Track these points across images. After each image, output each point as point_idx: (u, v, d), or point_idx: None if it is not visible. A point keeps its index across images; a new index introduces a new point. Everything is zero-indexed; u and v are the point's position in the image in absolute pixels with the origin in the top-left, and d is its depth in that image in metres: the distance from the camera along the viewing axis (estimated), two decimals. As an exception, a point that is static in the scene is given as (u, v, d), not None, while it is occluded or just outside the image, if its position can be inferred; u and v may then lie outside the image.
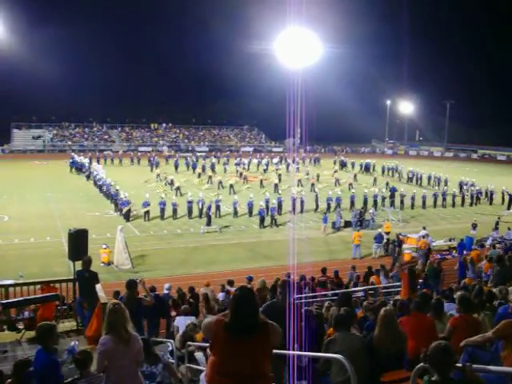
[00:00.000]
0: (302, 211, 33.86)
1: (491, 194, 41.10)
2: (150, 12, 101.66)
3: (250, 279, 16.34)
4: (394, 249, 24.39)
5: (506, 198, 39.65)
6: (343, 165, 60.92)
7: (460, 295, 7.46)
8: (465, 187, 42.84)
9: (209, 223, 30.27)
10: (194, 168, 51.81)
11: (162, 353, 8.72)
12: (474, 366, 4.10)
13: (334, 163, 61.02)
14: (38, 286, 12.03)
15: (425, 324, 6.96)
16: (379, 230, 27.81)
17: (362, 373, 5.92)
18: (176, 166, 52.74)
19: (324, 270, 17.76)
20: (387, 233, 27.49)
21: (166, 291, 15.31)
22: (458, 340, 5.97)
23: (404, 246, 25.54)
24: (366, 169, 58.08)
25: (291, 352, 5.23)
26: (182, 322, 10.25)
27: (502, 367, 4.33)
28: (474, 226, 29.71)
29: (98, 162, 55.76)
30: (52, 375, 5.95)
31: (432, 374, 4.09)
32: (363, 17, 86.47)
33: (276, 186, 41.54)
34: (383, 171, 55.96)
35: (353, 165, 59.87)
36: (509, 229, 29.07)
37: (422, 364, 4.25)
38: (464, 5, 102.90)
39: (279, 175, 46.90)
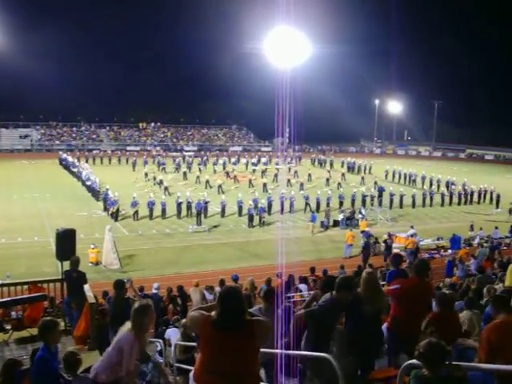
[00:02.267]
0: (291, 211, 33.89)
1: (480, 194, 41.30)
2: (140, 12, 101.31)
3: (236, 279, 16.28)
4: (369, 246, 24.55)
5: (494, 196, 39.91)
6: (320, 163, 61.88)
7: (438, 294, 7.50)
8: (453, 187, 43.10)
9: (199, 222, 30.28)
10: (162, 166, 51.95)
11: (151, 352, 8.71)
12: (463, 364, 4.11)
13: (314, 161, 62.56)
14: (26, 287, 11.96)
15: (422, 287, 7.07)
16: (366, 229, 27.91)
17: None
18: (159, 166, 52.33)
19: (313, 270, 17.79)
20: (362, 231, 27.62)
21: (154, 291, 15.27)
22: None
23: (392, 244, 25.65)
24: (349, 168, 58.37)
25: (279, 351, 5.24)
26: (173, 334, 10.15)
27: (489, 365, 4.34)
28: (472, 227, 29.83)
29: (87, 161, 55.49)
30: (42, 371, 5.88)
31: (422, 370, 4.11)
32: (352, 16, 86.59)
33: (265, 185, 41.58)
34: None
35: (341, 164, 59.93)
36: (496, 228, 29.34)
37: (409, 362, 4.26)
38: (453, 4, 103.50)
39: (275, 175, 47.42)
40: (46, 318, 6.38)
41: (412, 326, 6.67)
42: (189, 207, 32.27)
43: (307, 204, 34.82)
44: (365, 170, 54.75)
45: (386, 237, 25.47)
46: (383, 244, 25.15)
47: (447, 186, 43.42)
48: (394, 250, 25.07)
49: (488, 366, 4.37)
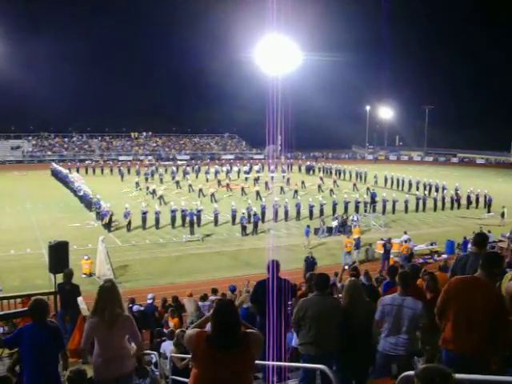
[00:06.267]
0: (285, 219, 33.88)
1: (477, 198, 41.23)
2: (131, 22, 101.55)
3: (233, 290, 16.17)
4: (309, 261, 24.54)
5: (486, 200, 39.92)
6: (309, 169, 62.55)
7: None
8: (445, 191, 43.16)
9: (192, 232, 30.17)
10: (146, 176, 52.00)
11: (149, 368, 8.66)
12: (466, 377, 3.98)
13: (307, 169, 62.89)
14: (19, 300, 11.85)
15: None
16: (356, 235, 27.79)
17: (330, 336, 6.21)
18: (146, 177, 51.83)
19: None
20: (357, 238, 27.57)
21: (149, 301, 15.21)
22: None
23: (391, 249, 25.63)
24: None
25: (271, 363, 5.22)
26: (168, 347, 10.08)
27: (485, 376, 4.24)
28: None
29: (78, 171, 55.34)
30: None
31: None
32: (342, 24, 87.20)
33: (258, 193, 41.53)
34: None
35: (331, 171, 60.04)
36: (489, 231, 29.38)
37: (405, 373, 4.21)
38: (443, 10, 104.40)
39: (266, 183, 47.45)
40: (35, 297, 6.29)
41: None
42: (183, 217, 32.13)
43: (298, 212, 34.78)
44: (360, 178, 54.86)
45: (383, 242, 25.41)
46: (382, 248, 25.10)
47: (437, 190, 43.66)
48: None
49: (489, 377, 4.25)
